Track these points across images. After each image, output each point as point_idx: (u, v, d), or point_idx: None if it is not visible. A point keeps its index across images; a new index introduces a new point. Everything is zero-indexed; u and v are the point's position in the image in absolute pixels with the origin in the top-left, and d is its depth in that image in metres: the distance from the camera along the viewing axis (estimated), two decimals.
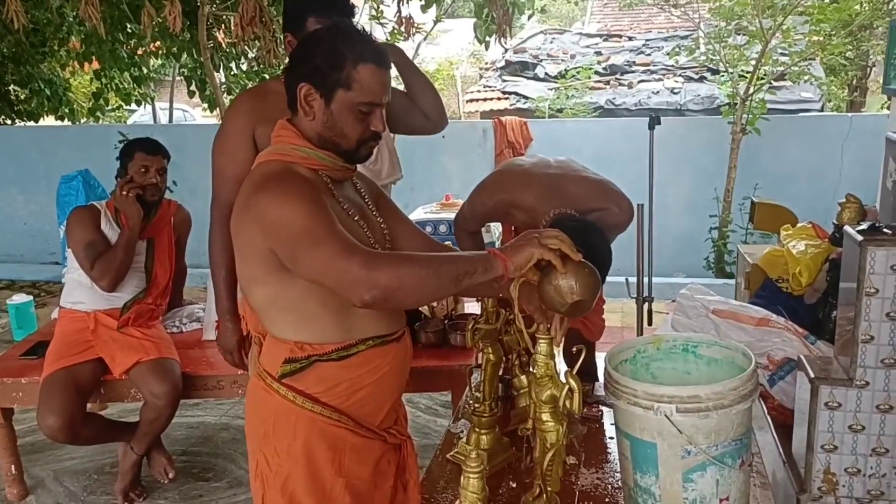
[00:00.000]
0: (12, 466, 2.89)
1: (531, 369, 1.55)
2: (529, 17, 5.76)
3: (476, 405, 1.93)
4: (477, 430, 1.93)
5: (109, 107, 8.42)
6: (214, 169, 2.15)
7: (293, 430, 1.50)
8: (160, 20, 4.45)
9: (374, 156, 2.43)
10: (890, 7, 5.53)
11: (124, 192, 2.75)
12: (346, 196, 1.54)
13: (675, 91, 8.51)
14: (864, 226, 1.81)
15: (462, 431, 2.07)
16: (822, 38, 5.61)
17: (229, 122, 2.15)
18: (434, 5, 5.64)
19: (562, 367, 1.55)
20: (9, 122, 7.79)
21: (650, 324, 2.79)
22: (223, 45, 6.48)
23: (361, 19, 6.03)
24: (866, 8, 5.55)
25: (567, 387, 1.47)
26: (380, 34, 6.41)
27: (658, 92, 8.59)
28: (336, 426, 1.51)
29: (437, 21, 5.87)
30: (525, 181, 2.42)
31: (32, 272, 6.54)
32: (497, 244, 4.07)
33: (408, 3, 3.91)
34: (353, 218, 1.51)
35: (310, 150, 1.48)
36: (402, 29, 4.25)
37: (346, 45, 1.44)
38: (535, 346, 1.53)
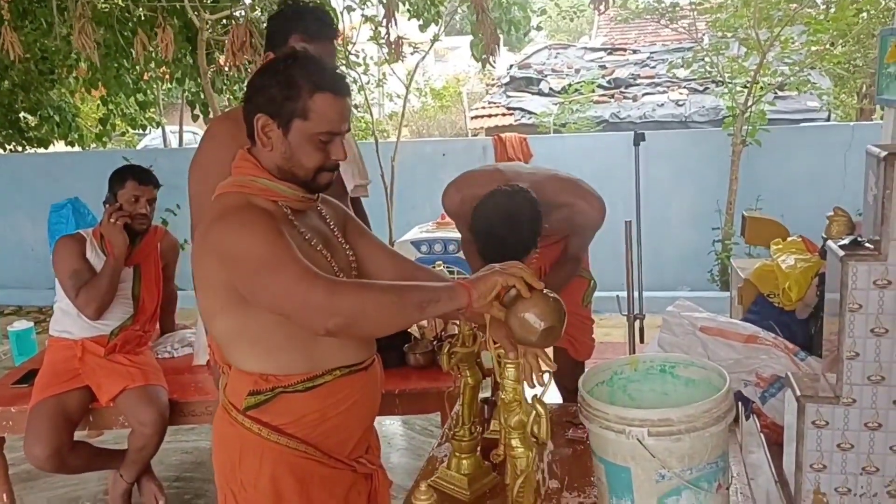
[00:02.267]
0: (4, 495, 2.88)
1: (500, 394, 1.52)
2: (525, 35, 5.78)
3: (456, 429, 1.91)
4: (457, 454, 1.90)
5: (116, 132, 8.51)
6: (191, 196, 2.08)
7: (259, 463, 1.48)
8: (153, 48, 4.49)
9: (357, 155, 2.39)
10: (893, 14, 5.49)
11: (112, 220, 2.74)
12: (308, 225, 1.53)
13: (680, 103, 8.48)
14: (846, 240, 1.77)
15: (445, 455, 2.04)
16: (821, 48, 5.58)
17: (207, 148, 2.07)
18: (433, 24, 5.69)
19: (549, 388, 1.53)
20: (19, 148, 7.89)
21: (642, 341, 2.75)
22: (225, 69, 6.54)
23: (359, 40, 6.09)
24: (865, 17, 5.51)
25: (535, 412, 1.45)
26: (380, 54, 6.46)
27: (663, 104, 8.56)
28: (303, 458, 1.49)
29: (434, 40, 5.89)
30: (494, 177, 2.43)
31: (39, 298, 6.57)
32: None
33: (396, 24, 3.93)
34: (315, 248, 1.50)
35: (269, 182, 1.47)
36: (394, 50, 4.27)
37: (302, 73, 1.43)
38: (503, 371, 1.51)
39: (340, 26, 5.66)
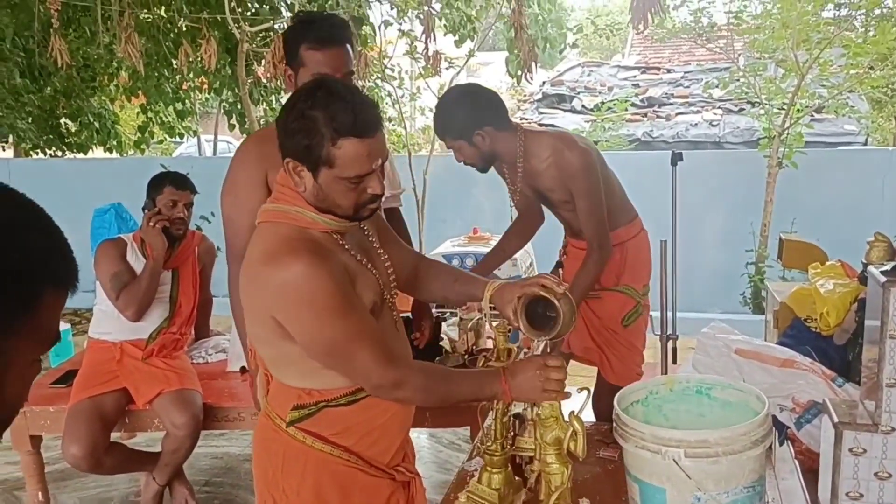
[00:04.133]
0: (39, 493, 2.93)
1: (536, 409, 1.53)
2: (561, 52, 5.81)
3: (488, 443, 1.91)
4: (489, 468, 1.90)
5: (154, 140, 8.67)
6: (225, 219, 2.08)
7: (303, 470, 1.50)
8: (198, 57, 4.58)
9: (388, 164, 2.43)
10: None
11: (151, 224, 2.81)
12: (355, 244, 1.53)
13: (714, 123, 8.42)
14: (888, 266, 1.75)
15: (476, 469, 2.04)
16: (860, 72, 5.52)
17: (238, 170, 2.05)
18: (468, 40, 5.73)
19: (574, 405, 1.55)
20: (59, 153, 8.06)
21: (675, 362, 2.73)
22: (263, 81, 6.64)
23: (395, 54, 6.15)
24: None
25: (572, 429, 1.45)
26: (414, 69, 6.51)
27: (696, 124, 8.51)
28: (346, 465, 1.51)
29: (470, 55, 5.94)
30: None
31: (75, 300, 6.39)
32: (523, 273, 4.04)
33: (434, 39, 3.97)
34: (365, 266, 1.51)
35: (314, 215, 1.45)
36: (431, 64, 4.31)
37: (324, 117, 1.36)
38: None
39: (378, 40, 5.73)
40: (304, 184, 1.43)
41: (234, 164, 2.08)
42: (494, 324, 1.75)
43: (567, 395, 1.49)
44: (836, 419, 1.77)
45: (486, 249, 4.26)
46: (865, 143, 7.55)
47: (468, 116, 2.36)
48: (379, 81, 6.25)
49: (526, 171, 2.48)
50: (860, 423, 1.75)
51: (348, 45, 2.06)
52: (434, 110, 2.50)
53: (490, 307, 1.66)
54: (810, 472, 2.06)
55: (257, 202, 1.93)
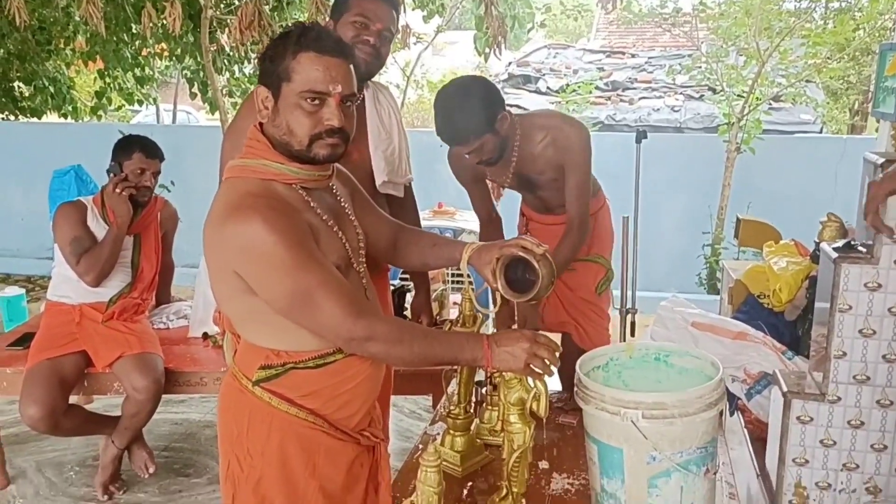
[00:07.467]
0: None
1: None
2: (529, 31, 5.81)
3: (451, 408, 1.95)
4: (452, 432, 1.95)
5: (112, 106, 8.46)
6: (222, 163, 2.03)
7: (268, 432, 1.49)
8: (161, 22, 4.48)
9: (397, 151, 2.32)
10: (890, 32, 5.58)
11: (118, 191, 2.76)
12: (324, 205, 1.51)
13: (676, 109, 8.55)
14: (839, 243, 1.83)
15: (438, 433, 2.08)
16: (818, 62, 5.65)
17: (243, 116, 2.03)
18: (436, 16, 5.71)
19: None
20: (12, 118, 7.84)
21: (633, 335, 2.80)
22: (226, 49, 6.52)
23: None
24: (862, 34, 5.60)
25: (535, 390, 1.49)
26: None
27: (658, 109, 8.63)
28: (311, 428, 1.50)
29: (438, 31, 5.91)
30: None
31: (27, 267, 6.57)
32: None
33: (404, 12, 3.96)
34: (332, 228, 1.49)
35: (281, 166, 1.44)
36: (399, 37, 4.30)
37: (293, 38, 1.40)
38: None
39: None
40: (269, 114, 1.44)
41: (241, 110, 2.09)
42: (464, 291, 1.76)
43: (550, 374, 1.46)
44: (785, 388, 1.85)
45: (452, 223, 4.31)
46: (821, 132, 7.74)
47: (489, 105, 2.21)
48: None
49: (521, 157, 2.38)
50: (808, 392, 1.83)
51: (394, 12, 2.10)
52: (443, 119, 2.22)
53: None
54: (759, 441, 2.15)
55: None
